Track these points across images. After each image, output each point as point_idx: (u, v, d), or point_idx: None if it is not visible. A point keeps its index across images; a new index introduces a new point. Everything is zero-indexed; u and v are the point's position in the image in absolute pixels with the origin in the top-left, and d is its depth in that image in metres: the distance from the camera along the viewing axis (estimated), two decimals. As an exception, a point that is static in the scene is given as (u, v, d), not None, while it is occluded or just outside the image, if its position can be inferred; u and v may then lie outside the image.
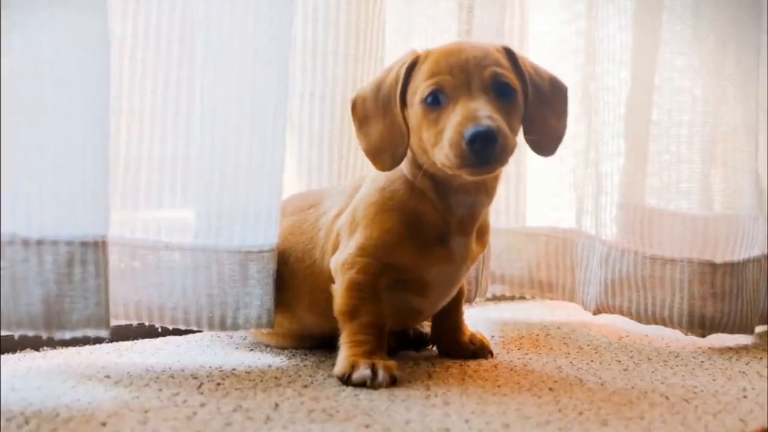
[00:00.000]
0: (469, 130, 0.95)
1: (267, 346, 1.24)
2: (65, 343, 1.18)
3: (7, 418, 0.85)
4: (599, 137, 1.44)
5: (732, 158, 1.41)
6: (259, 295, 1.12)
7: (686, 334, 1.36)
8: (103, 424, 0.84)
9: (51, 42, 0.95)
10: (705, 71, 1.39)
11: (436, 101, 1.01)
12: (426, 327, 1.26)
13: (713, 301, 1.34)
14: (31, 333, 0.95)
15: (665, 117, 1.40)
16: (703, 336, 1.35)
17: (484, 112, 0.97)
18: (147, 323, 1.12)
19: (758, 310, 1.40)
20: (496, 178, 1.09)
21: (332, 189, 1.22)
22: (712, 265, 1.34)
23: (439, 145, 0.99)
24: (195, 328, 1.13)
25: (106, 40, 0.98)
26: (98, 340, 1.21)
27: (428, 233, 1.07)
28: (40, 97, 0.95)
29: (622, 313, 1.40)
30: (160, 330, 1.23)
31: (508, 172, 1.55)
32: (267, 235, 1.12)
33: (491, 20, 1.41)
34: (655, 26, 1.40)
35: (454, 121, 0.98)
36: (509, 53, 1.07)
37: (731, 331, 1.35)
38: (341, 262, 1.07)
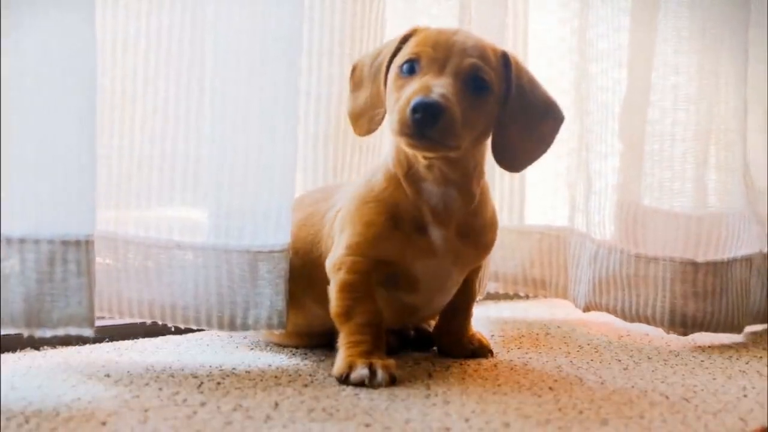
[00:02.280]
0: (415, 99, 0.96)
1: (268, 344, 1.24)
2: (65, 342, 1.18)
3: (7, 417, 0.85)
4: (591, 136, 1.44)
5: (719, 157, 1.41)
6: (269, 296, 1.12)
7: (668, 333, 1.37)
8: (103, 423, 0.84)
9: (35, 42, 0.95)
10: (696, 70, 1.39)
11: (410, 70, 1.02)
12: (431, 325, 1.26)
13: (695, 300, 1.34)
14: (12, 331, 0.95)
15: (655, 115, 1.40)
16: (685, 335, 1.36)
17: (438, 89, 0.97)
18: (160, 322, 1.13)
19: (748, 310, 1.40)
20: (470, 173, 1.08)
21: (346, 185, 1.22)
22: (694, 264, 1.34)
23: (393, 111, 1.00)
24: (206, 328, 1.14)
25: (93, 41, 0.98)
26: (98, 339, 1.21)
27: (406, 223, 1.07)
28: (26, 97, 0.95)
29: (608, 311, 1.40)
30: (160, 329, 1.23)
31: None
32: (278, 235, 1.12)
33: (490, 17, 1.41)
34: (651, 25, 1.40)
35: (410, 90, 0.99)
36: (504, 57, 1.06)
37: (715, 330, 1.35)
38: (332, 263, 1.08)
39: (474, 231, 1.11)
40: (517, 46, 1.52)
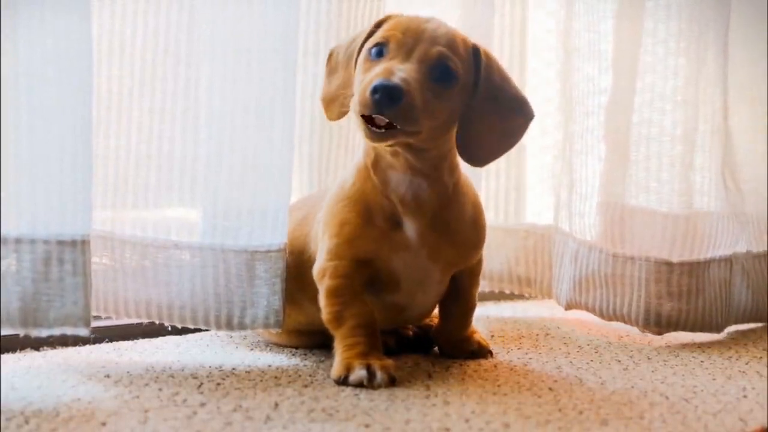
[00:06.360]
0: (376, 81, 0.95)
1: (268, 344, 1.24)
2: (65, 342, 1.18)
3: (7, 417, 0.85)
4: (576, 138, 1.44)
5: (699, 158, 1.41)
6: (266, 295, 1.12)
7: (643, 332, 1.38)
8: (103, 424, 0.84)
9: (32, 42, 0.95)
10: (678, 71, 1.39)
11: (379, 54, 1.02)
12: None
13: (669, 300, 1.35)
14: (8, 331, 0.95)
15: (639, 117, 1.40)
16: (660, 334, 1.36)
17: (401, 73, 0.97)
18: (157, 321, 1.13)
19: (730, 310, 1.41)
20: (438, 164, 1.06)
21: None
22: (669, 264, 1.35)
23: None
24: (203, 327, 1.14)
25: (90, 41, 0.99)
26: (98, 340, 1.21)
27: (379, 217, 1.06)
28: (22, 97, 0.95)
29: (587, 309, 1.41)
30: (160, 329, 1.23)
31: (500, 168, 1.55)
32: (274, 235, 1.12)
33: (485, 17, 1.41)
34: (636, 28, 1.40)
35: (374, 72, 0.99)
36: (475, 50, 1.06)
37: (692, 330, 1.36)
38: (317, 270, 1.08)
39: (450, 227, 1.09)
40: (514, 47, 1.53)
